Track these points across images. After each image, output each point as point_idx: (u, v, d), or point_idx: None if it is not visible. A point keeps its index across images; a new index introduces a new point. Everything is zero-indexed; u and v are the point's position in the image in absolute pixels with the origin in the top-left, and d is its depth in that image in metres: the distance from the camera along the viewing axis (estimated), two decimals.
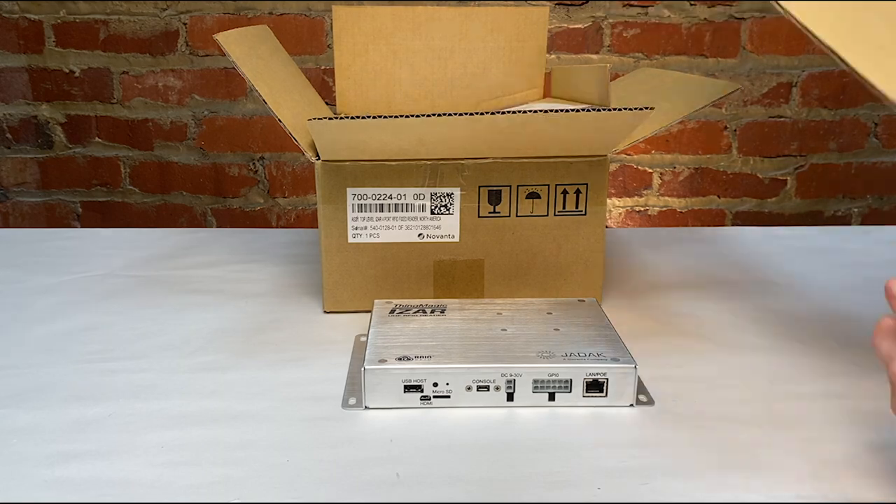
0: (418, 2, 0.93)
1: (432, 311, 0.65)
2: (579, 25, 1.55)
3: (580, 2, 1.54)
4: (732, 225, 1.66)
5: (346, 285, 0.72)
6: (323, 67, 1.56)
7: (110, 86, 1.60)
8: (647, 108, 0.62)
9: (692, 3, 1.53)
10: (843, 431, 0.53)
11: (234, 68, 1.58)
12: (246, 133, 1.62)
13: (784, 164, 1.63)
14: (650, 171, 1.63)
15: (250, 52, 0.73)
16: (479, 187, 0.70)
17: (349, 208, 0.70)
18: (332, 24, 1.54)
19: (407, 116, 0.61)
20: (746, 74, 1.57)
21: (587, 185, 0.70)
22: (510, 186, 0.70)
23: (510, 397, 0.56)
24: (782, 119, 1.60)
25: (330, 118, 0.62)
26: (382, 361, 0.56)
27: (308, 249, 0.92)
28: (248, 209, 1.67)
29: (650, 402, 0.57)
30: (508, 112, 0.61)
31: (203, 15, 1.55)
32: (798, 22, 0.58)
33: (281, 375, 0.61)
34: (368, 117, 0.61)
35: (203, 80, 1.59)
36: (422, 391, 0.55)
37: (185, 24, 1.56)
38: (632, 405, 0.56)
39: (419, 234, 0.71)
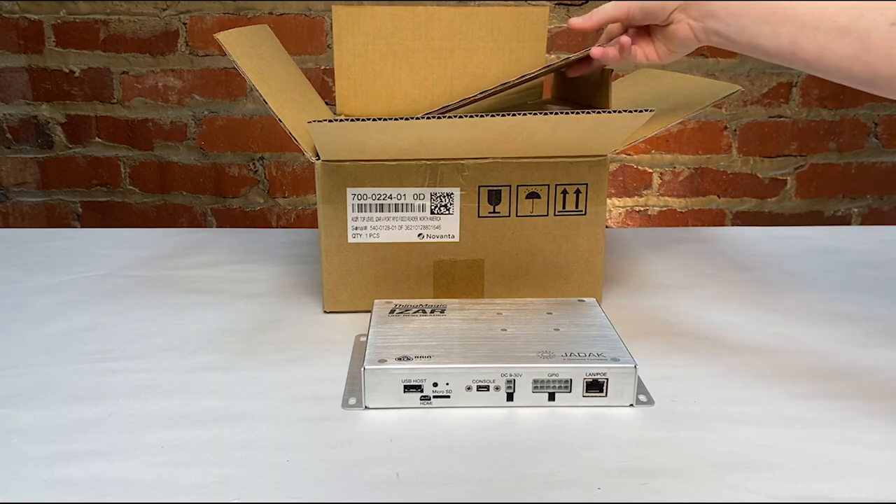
0: (418, 2, 0.93)
1: (432, 311, 0.65)
2: None
3: (580, 2, 1.54)
4: (732, 225, 1.66)
5: (346, 285, 0.72)
6: (323, 67, 1.56)
7: (110, 86, 1.60)
8: (647, 111, 0.62)
9: None
10: (843, 432, 0.53)
11: (234, 68, 1.57)
12: (246, 133, 1.62)
13: (784, 164, 1.63)
14: (650, 171, 1.63)
15: (251, 52, 0.73)
16: (479, 187, 0.70)
17: (349, 208, 0.70)
18: (331, 24, 1.54)
19: (407, 119, 0.61)
20: (746, 74, 1.57)
21: (587, 185, 0.70)
22: (510, 186, 0.70)
23: (510, 397, 0.56)
24: (782, 119, 1.60)
25: (330, 120, 0.62)
26: (382, 361, 0.56)
27: (308, 249, 0.92)
28: (248, 209, 1.67)
29: (650, 402, 0.57)
30: (508, 114, 0.61)
31: (203, 15, 1.55)
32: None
33: (281, 375, 0.61)
34: (368, 119, 0.61)
35: (203, 80, 1.59)
36: (422, 391, 0.55)
37: (185, 24, 1.56)
38: (632, 405, 0.56)
39: (419, 234, 0.71)
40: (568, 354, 0.56)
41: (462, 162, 0.69)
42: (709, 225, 1.66)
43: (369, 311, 0.67)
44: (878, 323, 0.71)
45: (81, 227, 1.69)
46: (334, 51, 0.85)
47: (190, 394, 0.58)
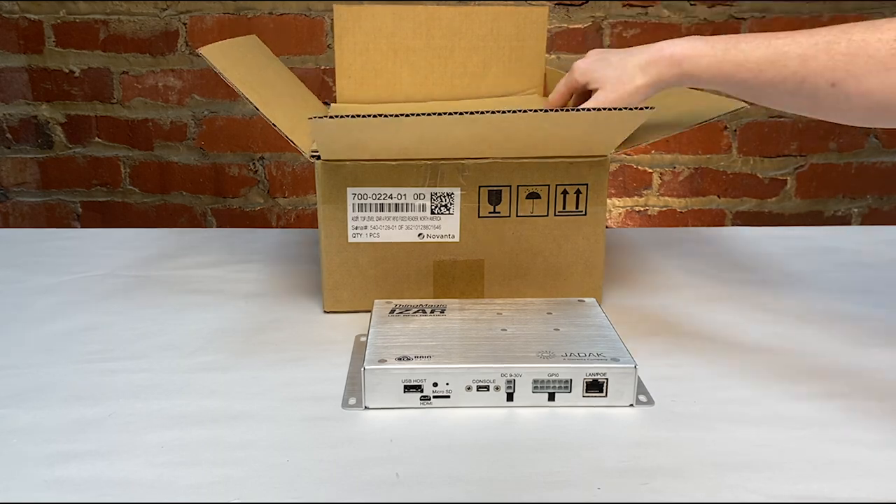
0: (419, 1, 0.93)
1: (432, 312, 0.65)
2: (579, 25, 1.55)
3: (580, 2, 1.54)
4: (732, 225, 1.66)
5: (347, 285, 0.72)
6: (323, 67, 1.56)
7: (110, 86, 1.60)
8: (647, 108, 0.62)
9: (692, 3, 1.53)
10: (843, 432, 0.53)
11: None
12: (246, 133, 1.62)
13: (784, 164, 1.63)
14: (650, 171, 1.63)
15: (238, 62, 0.73)
16: (480, 187, 0.69)
17: (349, 208, 0.70)
18: (332, 23, 1.54)
19: (407, 115, 0.61)
20: None
21: (587, 185, 0.70)
22: (510, 186, 0.70)
23: (510, 397, 0.56)
24: (782, 119, 1.60)
25: (330, 117, 0.62)
26: (382, 361, 0.56)
27: (308, 249, 0.92)
28: (248, 209, 1.67)
29: (650, 402, 0.57)
30: (508, 112, 0.61)
31: (203, 15, 1.55)
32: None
33: (281, 375, 0.61)
34: (368, 116, 0.61)
35: (203, 80, 1.59)
36: (421, 391, 0.55)
37: (184, 24, 1.56)
38: (632, 405, 0.56)
39: (419, 234, 0.71)
40: (568, 354, 0.56)
41: (462, 162, 0.69)
42: (709, 225, 1.66)
43: (369, 311, 0.67)
44: (878, 323, 0.71)
45: (81, 227, 1.69)
46: (335, 50, 0.85)
47: (190, 394, 0.58)
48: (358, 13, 0.84)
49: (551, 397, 0.56)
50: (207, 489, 0.46)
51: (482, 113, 0.61)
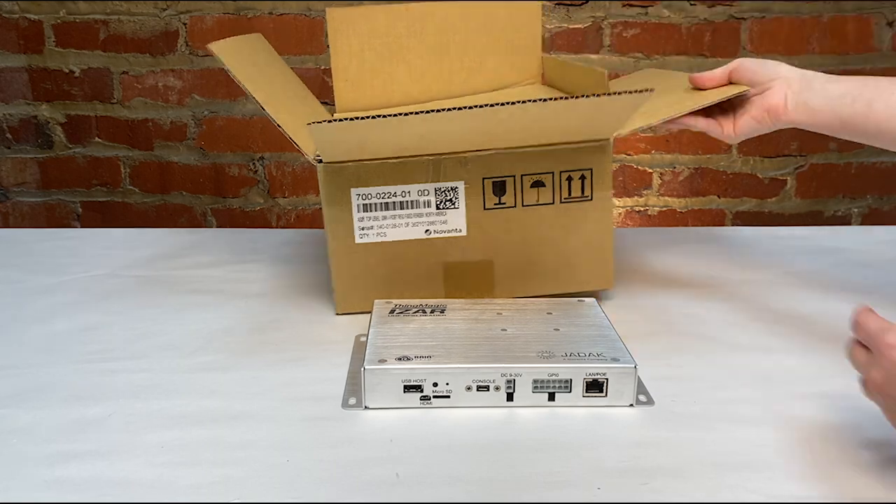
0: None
1: (432, 311, 0.65)
2: (579, 25, 1.55)
3: (580, 2, 1.54)
4: (732, 225, 1.66)
5: (357, 286, 0.72)
6: (323, 67, 1.56)
7: (110, 86, 1.60)
8: (646, 91, 0.62)
9: (692, 3, 1.53)
10: (843, 431, 0.53)
11: None
12: (246, 133, 1.62)
13: (784, 164, 1.63)
14: (650, 171, 1.63)
15: (245, 60, 0.73)
16: (483, 179, 0.69)
17: (354, 209, 0.69)
18: None
19: (406, 114, 0.61)
20: None
21: (591, 170, 0.70)
22: (514, 176, 0.69)
23: (510, 397, 0.56)
24: None
25: (330, 120, 0.61)
26: (382, 361, 0.56)
27: (308, 249, 0.92)
28: (248, 209, 1.67)
29: (650, 402, 0.57)
30: (508, 104, 0.61)
31: (203, 15, 1.55)
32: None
33: (281, 375, 0.61)
34: (368, 117, 0.61)
35: (203, 80, 1.59)
36: (421, 391, 0.55)
37: (184, 24, 1.56)
38: (632, 405, 0.56)
39: (426, 231, 0.70)
40: (568, 354, 0.56)
41: (464, 155, 0.68)
42: (709, 225, 1.66)
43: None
44: None
45: (81, 227, 1.69)
46: (331, 53, 0.85)
47: (190, 394, 0.58)
48: (350, 15, 0.84)
49: (551, 397, 0.56)
50: (207, 489, 0.46)
51: (482, 106, 0.61)
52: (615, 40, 1.55)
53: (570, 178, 0.70)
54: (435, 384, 0.55)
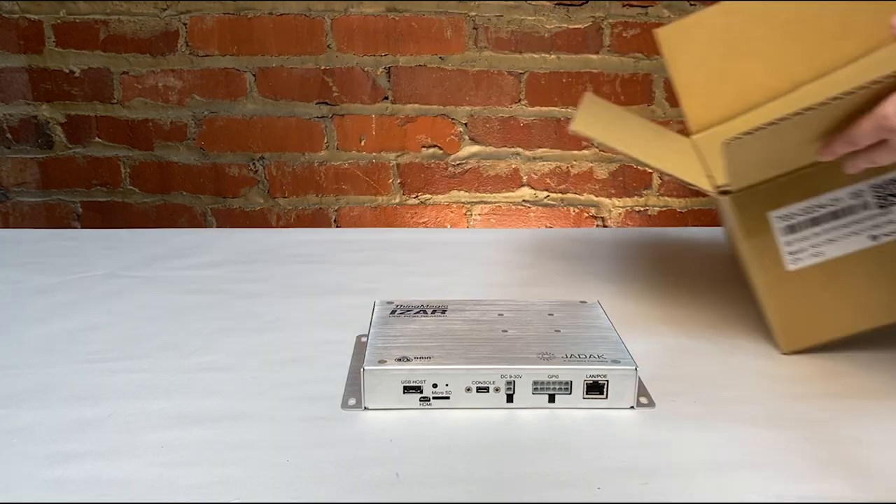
0: None
1: (433, 312, 0.65)
2: (579, 25, 1.55)
3: (580, 2, 1.54)
4: None
5: (801, 317, 0.63)
6: (323, 67, 1.56)
7: (110, 86, 1.60)
8: None
9: (692, 3, 1.53)
10: (843, 432, 0.53)
11: (234, 68, 1.57)
12: (246, 133, 1.62)
13: None
14: (650, 171, 1.63)
15: (604, 127, 0.67)
16: None
17: (777, 234, 0.62)
18: (331, 24, 1.54)
19: (818, 104, 0.50)
20: None
21: None
22: None
23: (510, 399, 0.56)
24: None
25: (743, 134, 0.53)
26: (382, 362, 0.56)
27: (308, 249, 0.92)
28: (248, 209, 1.67)
29: (651, 403, 0.57)
30: None
31: (203, 15, 1.55)
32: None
33: (281, 375, 0.61)
34: (783, 118, 0.51)
35: (203, 81, 1.59)
36: (421, 392, 0.55)
37: (185, 24, 1.56)
38: (632, 407, 0.56)
39: (872, 237, 0.61)
40: (568, 356, 0.56)
41: None
42: (709, 225, 1.66)
43: (839, 337, 0.62)
44: None
45: (81, 227, 1.69)
46: (671, 74, 0.77)
47: (190, 394, 0.58)
48: (683, 28, 0.77)
49: (551, 399, 0.56)
50: (207, 489, 0.46)
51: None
52: (615, 40, 1.55)
53: None
54: (434, 385, 0.55)
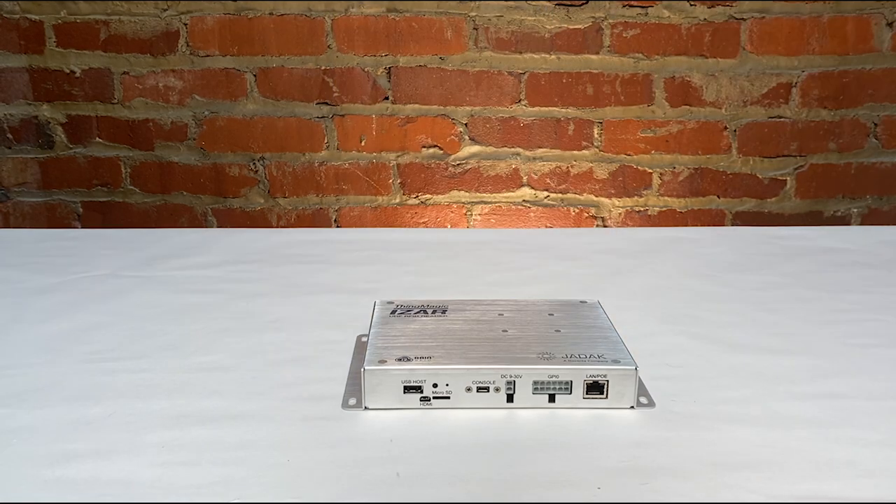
0: None
1: (433, 312, 0.65)
2: (579, 26, 1.55)
3: (580, 2, 1.54)
4: (732, 225, 1.66)
5: None
6: (323, 68, 1.56)
7: (111, 86, 1.60)
8: None
9: (692, 3, 1.53)
10: (843, 431, 0.53)
11: (234, 68, 1.58)
12: (246, 133, 1.62)
13: (784, 165, 1.63)
14: (650, 171, 1.63)
15: None
16: None
17: None
18: (332, 24, 1.54)
19: None
20: (746, 75, 1.57)
21: None
22: None
23: (510, 398, 0.56)
24: (782, 119, 1.60)
25: None
26: (382, 362, 0.56)
27: (308, 249, 0.92)
28: (248, 209, 1.67)
29: (651, 403, 0.57)
30: None
31: (203, 15, 1.55)
32: None
33: (281, 375, 0.61)
34: None
35: (203, 81, 1.59)
36: (421, 392, 0.55)
37: (185, 24, 1.56)
38: (632, 407, 0.56)
39: None
40: (568, 356, 0.56)
41: None
42: (709, 225, 1.66)
43: None
44: (878, 323, 0.71)
45: (82, 227, 1.69)
46: None
47: (190, 394, 0.58)
48: None
49: (552, 399, 0.56)
50: (207, 489, 0.46)
51: None
52: (615, 40, 1.55)
53: None
54: (435, 385, 0.55)
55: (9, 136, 1.64)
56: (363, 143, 1.60)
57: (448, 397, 0.55)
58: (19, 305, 0.75)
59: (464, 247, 0.94)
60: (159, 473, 0.48)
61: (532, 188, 1.63)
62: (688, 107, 1.58)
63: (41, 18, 1.56)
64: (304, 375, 0.61)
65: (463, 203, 1.64)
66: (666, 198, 1.65)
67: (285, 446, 0.51)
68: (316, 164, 1.62)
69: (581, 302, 0.67)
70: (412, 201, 1.64)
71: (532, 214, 1.65)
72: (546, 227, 1.65)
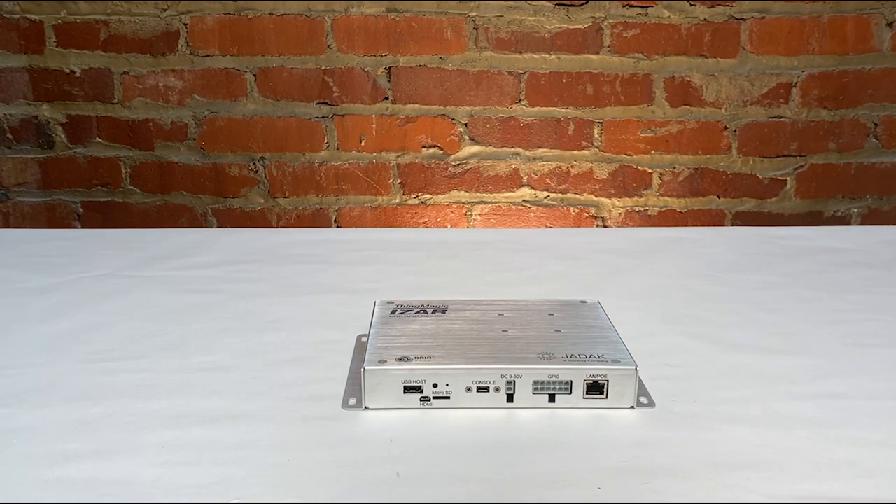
0: None
1: (433, 312, 0.65)
2: (579, 26, 1.55)
3: (580, 2, 1.54)
4: (732, 225, 1.66)
5: None
6: (323, 67, 1.56)
7: (111, 86, 1.60)
8: None
9: (692, 3, 1.53)
10: (843, 431, 0.53)
11: (234, 68, 1.58)
12: (246, 133, 1.62)
13: (784, 165, 1.63)
14: (650, 171, 1.63)
15: None
16: None
17: None
18: (332, 24, 1.55)
19: None
20: (746, 75, 1.57)
21: None
22: None
23: (510, 398, 0.56)
24: (782, 119, 1.60)
25: None
26: (382, 362, 0.56)
27: (308, 249, 0.92)
28: (248, 209, 1.67)
29: (651, 403, 0.57)
30: None
31: (203, 15, 1.55)
32: None
33: (281, 375, 0.61)
34: None
35: (203, 81, 1.59)
36: (421, 392, 0.55)
37: (185, 24, 1.56)
38: (632, 407, 0.56)
39: None
40: (568, 356, 0.56)
41: None
42: (709, 225, 1.66)
43: None
44: (878, 323, 0.71)
45: (82, 227, 1.69)
46: None
47: (190, 394, 0.58)
48: None
49: (551, 399, 0.56)
50: (207, 489, 0.46)
51: None
52: (615, 40, 1.55)
53: None
54: (435, 385, 0.55)
55: (9, 136, 1.64)
56: (363, 143, 1.60)
57: (448, 397, 0.56)
58: (19, 305, 0.75)
59: (464, 247, 0.94)
60: (159, 473, 0.48)
61: (532, 188, 1.63)
62: (688, 107, 1.58)
63: (41, 18, 1.56)
64: (304, 375, 0.61)
65: (463, 203, 1.64)
66: (666, 198, 1.65)
67: (285, 446, 0.51)
68: (316, 164, 1.62)
69: (581, 302, 0.67)
70: (412, 201, 1.64)
71: (532, 214, 1.65)
72: (546, 227, 1.65)
